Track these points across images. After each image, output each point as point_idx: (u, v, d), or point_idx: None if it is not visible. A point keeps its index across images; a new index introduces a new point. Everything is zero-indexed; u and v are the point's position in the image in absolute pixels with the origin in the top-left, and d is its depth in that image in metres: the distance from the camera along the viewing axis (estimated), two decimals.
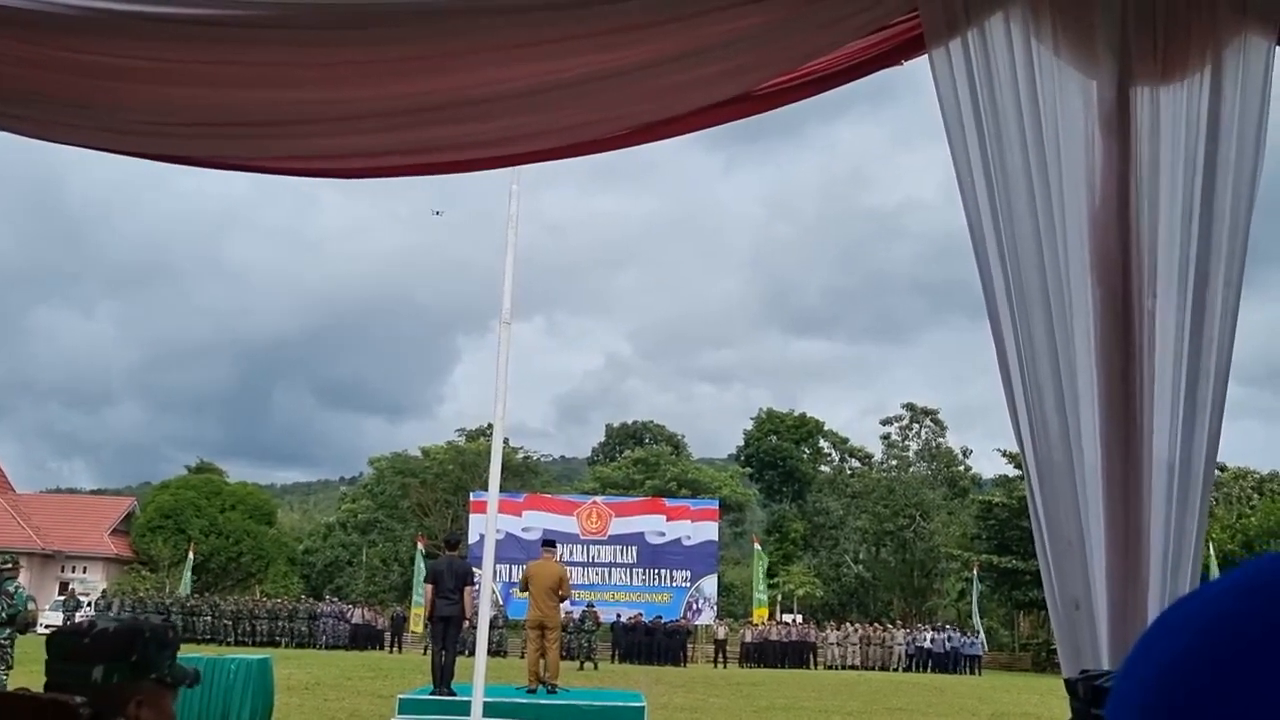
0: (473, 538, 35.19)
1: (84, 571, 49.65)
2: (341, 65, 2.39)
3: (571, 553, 39.31)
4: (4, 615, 11.43)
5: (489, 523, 9.63)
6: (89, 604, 37.81)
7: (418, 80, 2.47)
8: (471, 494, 42.94)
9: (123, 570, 50.11)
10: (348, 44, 2.33)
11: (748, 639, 39.11)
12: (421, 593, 22.98)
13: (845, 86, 2.61)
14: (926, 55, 2.38)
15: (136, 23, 2.23)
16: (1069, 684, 1.74)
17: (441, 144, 2.81)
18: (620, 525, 42.11)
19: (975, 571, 42.59)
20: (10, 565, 11.95)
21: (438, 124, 2.66)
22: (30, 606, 11.95)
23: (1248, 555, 35.55)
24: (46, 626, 29.45)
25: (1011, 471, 44.35)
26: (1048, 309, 2.29)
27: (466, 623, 12.73)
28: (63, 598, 38.81)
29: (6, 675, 11.37)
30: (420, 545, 41.71)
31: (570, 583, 13.44)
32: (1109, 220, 2.30)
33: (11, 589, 11.61)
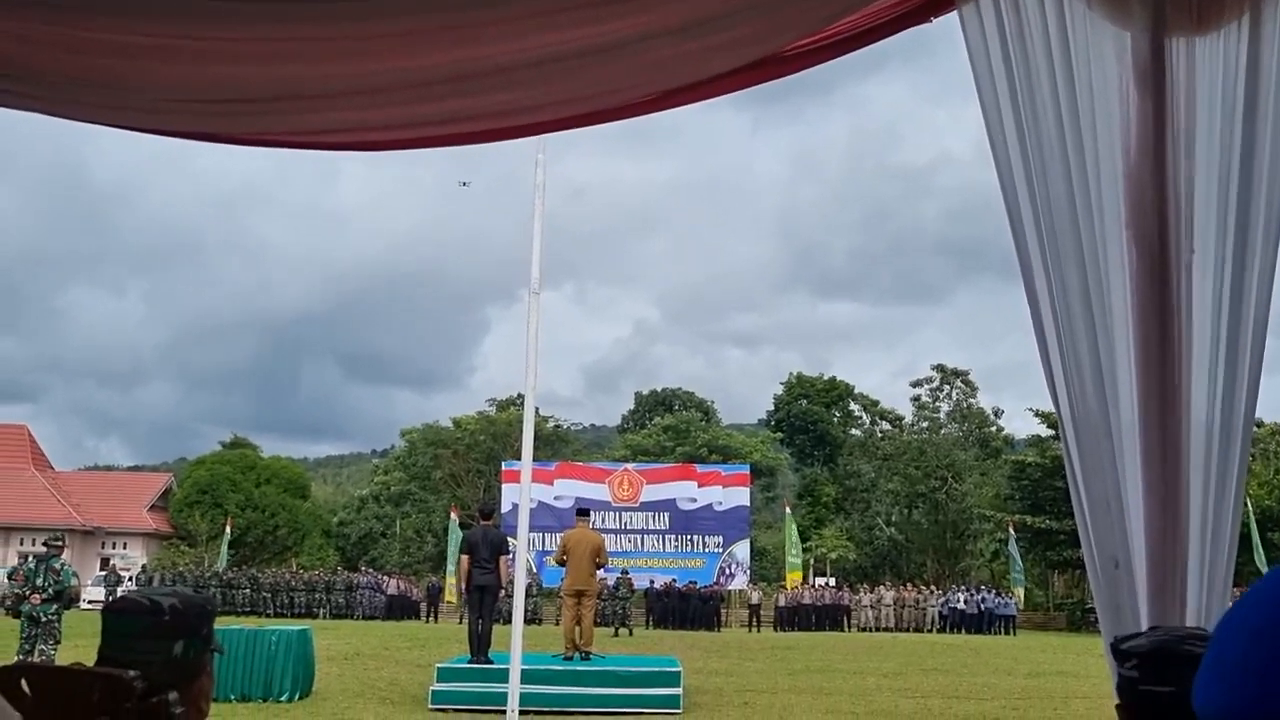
0: (505, 507, 35.48)
1: (124, 547, 50.57)
2: (364, 39, 2.38)
3: (604, 520, 39.54)
4: (52, 591, 11.75)
5: (523, 492, 9.69)
6: (130, 579, 38.43)
7: (438, 52, 2.46)
8: (503, 463, 43.27)
9: (162, 545, 50.97)
10: (370, 18, 2.32)
11: (781, 603, 39.27)
12: (456, 563, 23.19)
13: (877, 44, 2.57)
14: (956, 11, 2.33)
15: (160, 1, 2.22)
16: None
17: (465, 115, 2.80)
18: (652, 492, 42.30)
19: (1012, 531, 42.47)
20: (59, 544, 12.35)
21: (460, 95, 2.65)
22: (74, 582, 12.30)
23: None
24: (90, 602, 29.99)
25: (1045, 431, 44.07)
26: (1082, 266, 2.26)
27: (502, 591, 12.85)
28: (104, 573, 39.61)
29: (55, 649, 11.66)
30: (454, 515, 42.11)
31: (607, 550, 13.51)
32: (1144, 175, 2.26)
33: (58, 566, 11.97)
